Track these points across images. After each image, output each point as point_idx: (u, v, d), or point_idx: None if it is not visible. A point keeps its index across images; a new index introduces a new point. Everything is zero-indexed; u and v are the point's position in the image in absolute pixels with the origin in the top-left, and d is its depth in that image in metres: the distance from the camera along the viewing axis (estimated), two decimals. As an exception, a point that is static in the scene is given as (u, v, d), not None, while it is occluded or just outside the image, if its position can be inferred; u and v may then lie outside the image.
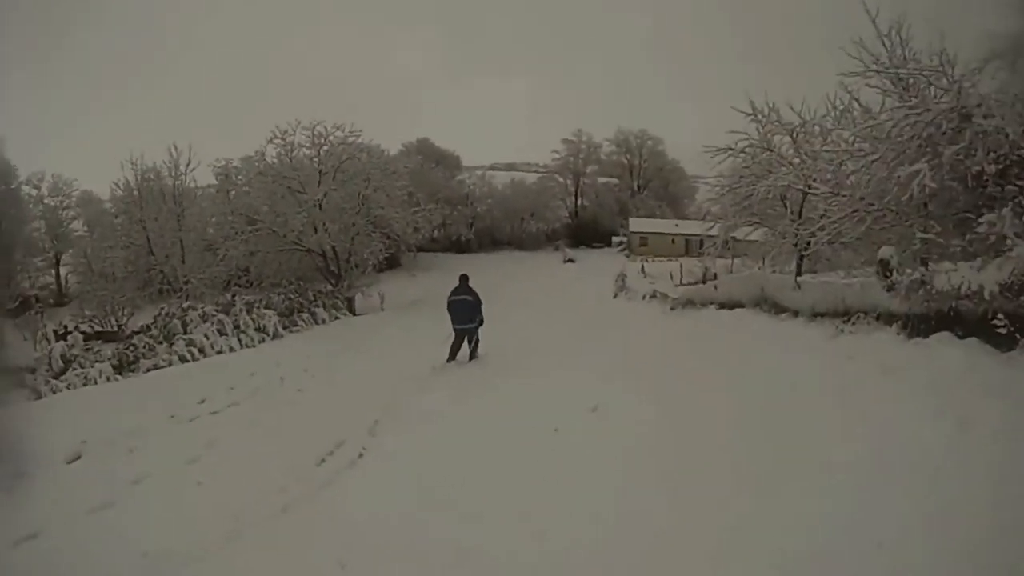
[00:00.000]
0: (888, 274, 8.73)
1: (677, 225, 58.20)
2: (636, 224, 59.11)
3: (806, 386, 7.05)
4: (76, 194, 47.06)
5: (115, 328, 29.54)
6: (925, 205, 10.49)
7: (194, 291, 30.32)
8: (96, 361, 19.16)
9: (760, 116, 19.05)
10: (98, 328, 30.11)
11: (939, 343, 6.79)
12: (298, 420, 9.89)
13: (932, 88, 10.87)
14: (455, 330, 13.41)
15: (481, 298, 13.72)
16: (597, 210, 66.66)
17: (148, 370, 17.54)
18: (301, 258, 32.30)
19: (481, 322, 13.64)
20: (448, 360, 13.23)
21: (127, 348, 19.25)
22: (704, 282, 27.62)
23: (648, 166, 69.25)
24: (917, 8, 11.71)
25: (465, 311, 13.35)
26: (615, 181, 69.12)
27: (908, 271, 8.46)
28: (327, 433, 8.39)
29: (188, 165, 33.27)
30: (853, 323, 8.86)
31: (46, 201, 46.15)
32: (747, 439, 5.92)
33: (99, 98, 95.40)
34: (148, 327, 22.28)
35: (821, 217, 17.56)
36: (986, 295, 6.44)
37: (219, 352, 19.32)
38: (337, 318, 27.42)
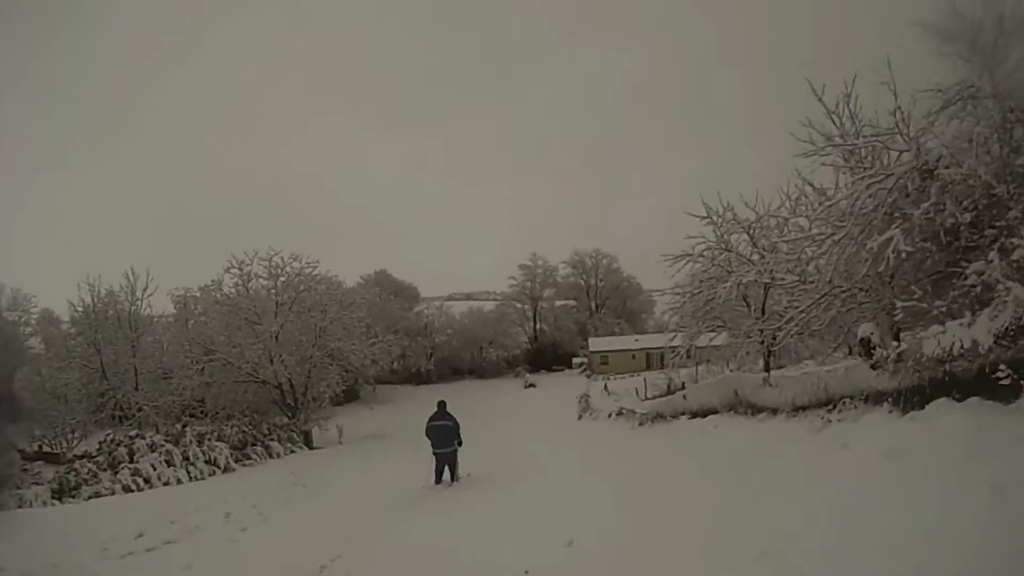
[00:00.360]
0: (871, 352, 7.85)
1: (637, 340, 57.99)
2: (596, 343, 58.55)
3: (799, 487, 6.14)
4: (35, 311, 45.93)
5: (62, 450, 27.42)
6: (891, 276, 9.93)
7: (146, 419, 28.59)
8: (34, 483, 17.70)
9: (715, 217, 18.79)
10: (46, 449, 27.96)
11: (938, 412, 6.11)
12: (238, 563, 8.67)
13: (888, 153, 10.56)
14: (435, 454, 13.49)
15: (459, 422, 13.85)
16: (556, 333, 66.39)
17: (89, 497, 16.17)
18: (257, 390, 30.83)
19: (460, 444, 13.75)
20: (436, 483, 13.22)
21: (68, 472, 17.62)
22: (671, 393, 26.71)
23: (604, 284, 69.67)
24: (863, 77, 11.48)
25: (445, 436, 13.52)
26: (573, 303, 69.05)
27: (894, 344, 7.56)
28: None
29: (145, 290, 32.04)
30: (839, 411, 7.94)
31: (4, 315, 44.16)
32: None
33: (60, 215, 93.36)
34: (93, 453, 20.54)
35: (786, 309, 17.15)
36: (981, 349, 5.91)
37: (166, 484, 17.90)
38: (293, 451, 25.74)
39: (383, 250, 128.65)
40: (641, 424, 17.10)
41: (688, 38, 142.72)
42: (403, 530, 9.03)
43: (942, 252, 8.86)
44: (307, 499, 14.08)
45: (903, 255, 8.53)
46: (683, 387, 20.04)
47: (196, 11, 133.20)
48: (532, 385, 51.88)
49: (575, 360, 61.62)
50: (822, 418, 8.13)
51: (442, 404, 14.19)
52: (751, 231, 18.60)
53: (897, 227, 8.70)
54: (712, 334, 21.07)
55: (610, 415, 22.35)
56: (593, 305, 68.97)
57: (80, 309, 31.33)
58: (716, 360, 24.12)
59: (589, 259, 69.65)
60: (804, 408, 8.87)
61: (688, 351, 21.28)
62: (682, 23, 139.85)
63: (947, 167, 8.60)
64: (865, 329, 8.21)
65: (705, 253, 19.18)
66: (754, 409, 10.55)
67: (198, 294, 32.43)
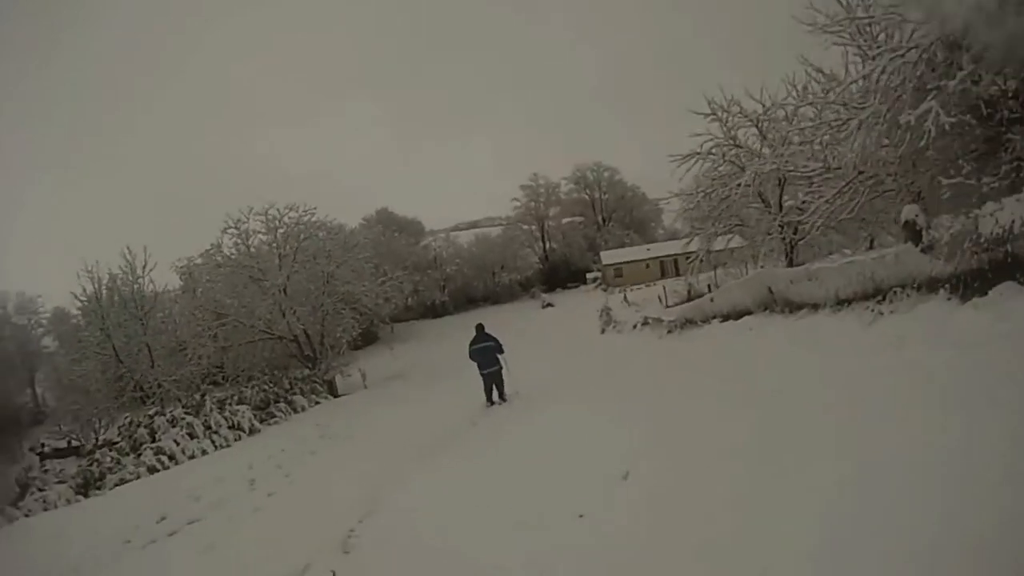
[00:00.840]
0: (917, 236, 7.39)
1: (648, 249, 57.79)
2: (608, 256, 58.19)
3: (864, 391, 5.59)
4: (44, 312, 45.69)
5: (90, 442, 27.47)
6: (926, 153, 9.41)
7: (167, 395, 28.51)
8: (58, 481, 17.32)
9: (720, 112, 18.12)
10: (75, 443, 28.19)
11: (1003, 297, 5.65)
12: (263, 536, 8.26)
13: (902, 28, 9.92)
14: (483, 375, 14.14)
15: (498, 338, 14.48)
16: (566, 250, 65.84)
17: (115, 486, 15.76)
18: (274, 346, 30.61)
19: (502, 364, 14.18)
20: (488, 403, 14.03)
21: (90, 464, 17.24)
22: (692, 299, 26.33)
23: (609, 197, 68.60)
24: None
25: (488, 356, 14.09)
26: (579, 218, 68.30)
27: (946, 224, 7.07)
28: (293, 553, 6.77)
29: (144, 267, 31.50)
30: (890, 301, 7.46)
31: (13, 320, 44.88)
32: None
33: (61, 215, 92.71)
34: (115, 439, 20.42)
35: (805, 203, 16.67)
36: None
37: (191, 457, 17.58)
38: (318, 403, 25.50)
39: (382, 194, 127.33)
40: (670, 332, 16.52)
41: None
42: (429, 478, 8.67)
43: (982, 126, 8.33)
44: (334, 449, 13.89)
45: (946, 127, 8.00)
46: (709, 292, 19.48)
47: (195, 10, 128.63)
48: (550, 305, 51.48)
49: (589, 275, 61.12)
50: (871, 310, 7.65)
51: (480, 327, 14.92)
52: (759, 124, 17.97)
53: (933, 99, 8.15)
54: (728, 236, 20.69)
55: (635, 326, 21.67)
56: (600, 219, 68.05)
57: (83, 299, 30.93)
58: (734, 262, 23.80)
59: (591, 173, 68.51)
60: (849, 301, 8.38)
61: (706, 255, 20.84)
62: None
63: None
64: (909, 211, 7.69)
65: (714, 151, 18.60)
66: (792, 307, 10.02)
67: (200, 261, 31.88)
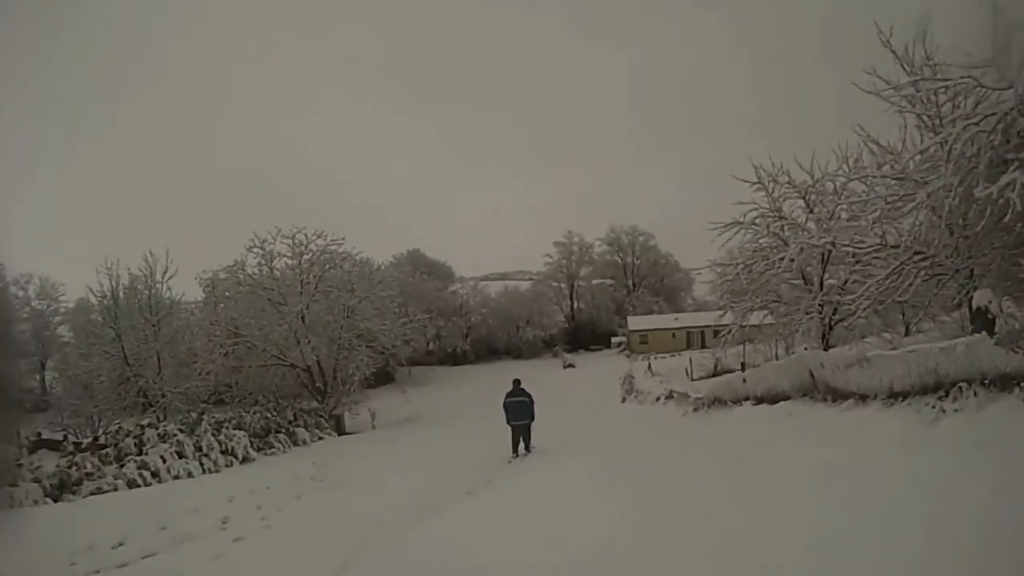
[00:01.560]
0: (989, 324, 6.55)
1: (676, 319, 57.00)
2: (635, 322, 57.29)
3: (933, 504, 4.68)
4: (64, 300, 45.95)
5: (84, 440, 26.65)
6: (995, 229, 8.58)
7: (170, 405, 27.79)
8: (33, 479, 15.58)
9: (767, 181, 17.40)
10: (69, 437, 27.29)
11: None
12: None
13: (967, 98, 9.25)
14: (512, 426, 14.99)
15: (534, 398, 15.38)
16: (594, 312, 65.02)
17: (91, 494, 14.80)
18: (285, 374, 29.96)
19: (533, 418, 15.16)
20: (513, 454, 14.75)
21: (69, 467, 16.26)
22: (717, 374, 25.29)
23: (642, 262, 68.08)
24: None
25: (521, 410, 15.05)
26: (610, 281, 67.65)
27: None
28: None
29: (165, 273, 30.62)
30: (954, 398, 6.57)
31: (33, 304, 45.08)
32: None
33: (83, 205, 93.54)
34: (100, 444, 19.58)
35: (850, 283, 15.84)
36: None
37: (176, 477, 16.73)
38: (321, 438, 24.68)
39: (415, 235, 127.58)
40: (696, 410, 15.48)
41: (698, 31, 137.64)
42: (423, 538, 7.59)
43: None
44: (323, 496, 12.72)
45: None
46: (742, 368, 18.37)
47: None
48: (571, 365, 50.53)
49: (614, 339, 60.28)
50: (932, 407, 6.72)
51: (516, 382, 15.74)
52: (807, 196, 17.19)
53: (1016, 169, 7.38)
54: (762, 312, 19.78)
55: (658, 399, 20.63)
56: (630, 283, 67.36)
57: (99, 295, 30.47)
58: (765, 339, 22.76)
59: (625, 236, 68.28)
60: (905, 395, 7.45)
61: (738, 329, 19.87)
62: (691, 18, 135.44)
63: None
64: (981, 297, 6.90)
65: (758, 220, 17.78)
66: (835, 395, 9.02)
67: (224, 276, 31.47)
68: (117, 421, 21.69)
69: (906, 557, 4.09)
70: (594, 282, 67.54)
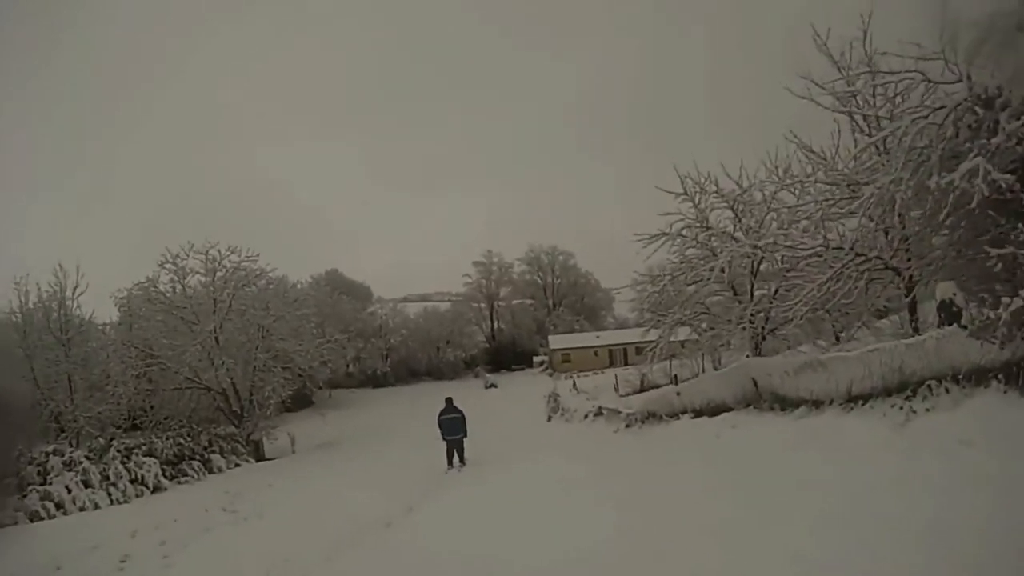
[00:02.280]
0: (955, 317, 6.08)
1: (599, 337, 57.14)
2: (556, 341, 57.01)
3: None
4: None
5: None
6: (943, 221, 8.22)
7: (81, 431, 25.55)
8: None
9: (693, 192, 17.02)
10: None
11: None
12: None
13: (913, 91, 9.00)
14: (447, 441, 16.10)
15: (465, 414, 16.54)
16: (514, 331, 64.69)
17: None
18: (200, 397, 28.11)
19: (466, 434, 16.30)
20: (448, 465, 15.77)
21: None
22: (644, 390, 24.85)
23: (562, 281, 68.17)
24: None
25: (455, 426, 16.20)
26: (530, 301, 67.36)
27: (1005, 302, 5.71)
28: None
29: (76, 289, 28.13)
30: (923, 397, 6.04)
31: None
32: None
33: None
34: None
35: (782, 291, 15.58)
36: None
37: (82, 509, 15.30)
38: (237, 465, 23.24)
39: (334, 254, 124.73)
40: (628, 426, 14.77)
41: (624, 49, 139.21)
42: None
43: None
44: (233, 530, 11.37)
45: (996, 184, 6.81)
46: (674, 381, 17.69)
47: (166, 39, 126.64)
48: (493, 385, 49.69)
49: (536, 359, 59.98)
50: (899, 408, 6.15)
51: (449, 400, 16.97)
52: (735, 206, 16.88)
53: (976, 156, 7.01)
54: (688, 326, 19.42)
55: (586, 416, 19.77)
56: (551, 302, 67.48)
57: (7, 312, 27.84)
58: (691, 354, 22.35)
59: (545, 256, 68.33)
60: (864, 398, 6.89)
61: (666, 344, 19.37)
62: (633, 30, 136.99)
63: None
64: (944, 289, 6.38)
65: (684, 231, 17.38)
66: (784, 403, 8.46)
67: (136, 292, 29.34)
68: (19, 448, 19.60)
69: (907, 565, 3.70)
70: (514, 302, 67.33)
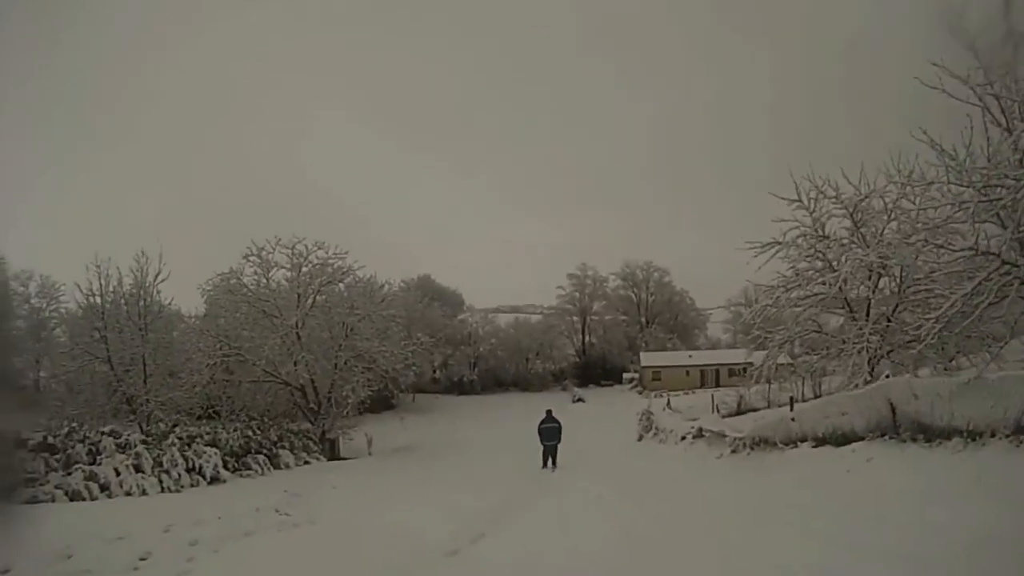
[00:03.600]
0: None
1: (691, 356, 55.33)
2: (648, 358, 55.35)
3: None
4: (64, 299, 42.09)
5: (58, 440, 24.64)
6: None
7: (151, 414, 25.83)
8: None
9: (810, 197, 15.75)
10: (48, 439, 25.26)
11: None
12: None
13: None
14: (544, 445, 19.13)
15: (561, 424, 19.70)
16: (605, 347, 63.16)
17: (25, 502, 12.77)
18: (278, 391, 28.01)
19: (560, 440, 19.30)
20: (543, 466, 18.76)
21: (5, 471, 14.00)
22: (741, 412, 23.40)
23: (656, 298, 66.42)
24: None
25: (552, 434, 19.27)
26: (623, 316, 65.91)
27: None
28: None
29: (157, 276, 28.60)
30: None
31: (32, 302, 43.25)
32: None
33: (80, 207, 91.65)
34: (50, 444, 17.09)
35: (900, 308, 14.26)
36: None
37: (128, 493, 14.54)
38: (307, 462, 22.74)
39: (427, 262, 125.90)
40: (735, 451, 13.35)
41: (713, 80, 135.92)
42: None
43: None
44: (278, 536, 10.06)
45: None
46: (790, 406, 15.93)
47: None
48: (580, 400, 48.68)
49: (625, 375, 58.41)
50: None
51: (549, 411, 20.26)
52: (854, 214, 15.48)
53: None
54: (791, 345, 18.06)
55: (683, 437, 18.45)
56: (643, 319, 65.66)
57: (87, 293, 28.51)
58: (790, 377, 20.58)
59: (640, 271, 66.71)
60: None
61: (773, 364, 17.95)
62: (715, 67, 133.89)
63: None
64: None
65: (799, 240, 16.09)
66: (929, 434, 7.28)
67: (218, 283, 29.54)
68: (71, 424, 19.47)
69: None
70: (607, 317, 65.95)
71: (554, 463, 18.76)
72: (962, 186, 10.73)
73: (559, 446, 19.09)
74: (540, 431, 19.37)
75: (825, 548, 5.68)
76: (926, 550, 4.89)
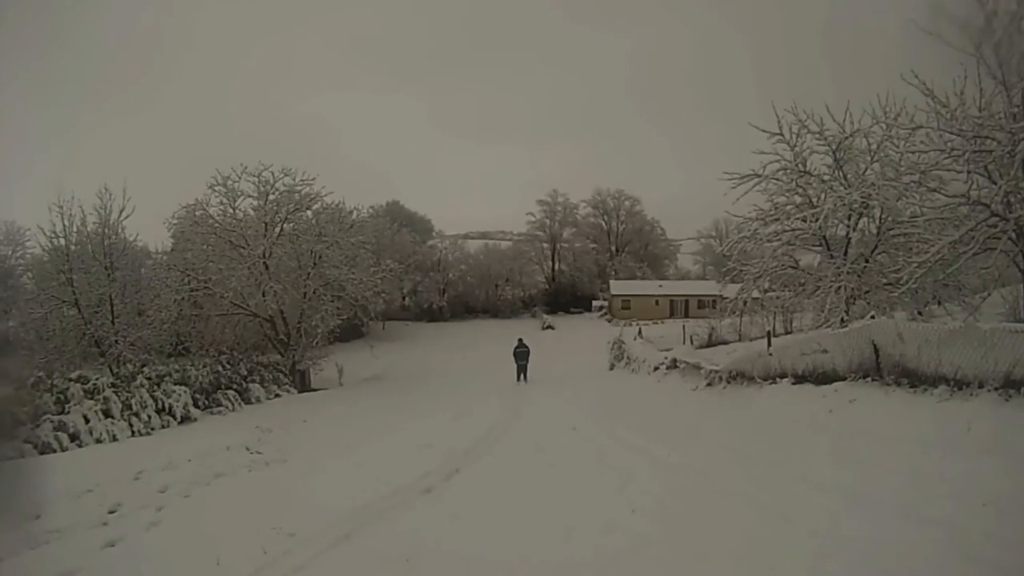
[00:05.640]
0: None
1: (661, 286, 55.41)
2: (617, 287, 55.64)
3: None
4: (31, 245, 41.51)
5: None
6: None
7: (121, 356, 25.26)
8: None
9: (792, 130, 15.54)
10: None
11: None
12: None
13: None
14: (517, 364, 24.72)
15: (529, 347, 25.26)
16: (575, 274, 63.32)
17: None
18: (247, 324, 27.42)
19: (528, 361, 24.85)
20: (517, 381, 24.08)
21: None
22: (712, 345, 23.56)
23: (626, 227, 66.50)
24: None
25: (524, 356, 24.82)
26: (593, 244, 65.86)
27: None
28: None
29: (122, 212, 27.69)
30: None
31: None
32: None
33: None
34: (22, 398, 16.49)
35: (880, 250, 14.32)
36: None
37: (98, 441, 14.17)
38: (278, 395, 22.61)
39: (396, 190, 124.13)
40: (711, 384, 13.40)
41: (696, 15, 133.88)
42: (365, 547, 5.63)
43: None
44: (248, 475, 9.90)
45: None
46: (767, 340, 15.88)
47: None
48: (550, 327, 48.95)
49: (595, 303, 58.80)
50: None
51: (520, 339, 25.84)
52: (837, 152, 15.34)
53: None
54: (767, 280, 18.05)
55: (656, 368, 18.47)
56: (614, 247, 65.87)
57: (49, 235, 27.32)
58: (762, 312, 20.51)
59: (611, 199, 66.66)
60: (1022, 384, 5.71)
61: (749, 297, 17.95)
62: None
63: None
64: None
65: (779, 175, 15.94)
66: (914, 379, 7.26)
67: (183, 214, 28.52)
68: (39, 373, 18.85)
69: None
70: (577, 244, 65.78)
71: (525, 378, 24.26)
72: (952, 134, 10.69)
73: (528, 365, 24.62)
74: (515, 354, 24.97)
75: (815, 494, 5.68)
76: (922, 502, 4.91)
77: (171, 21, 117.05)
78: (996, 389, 6.03)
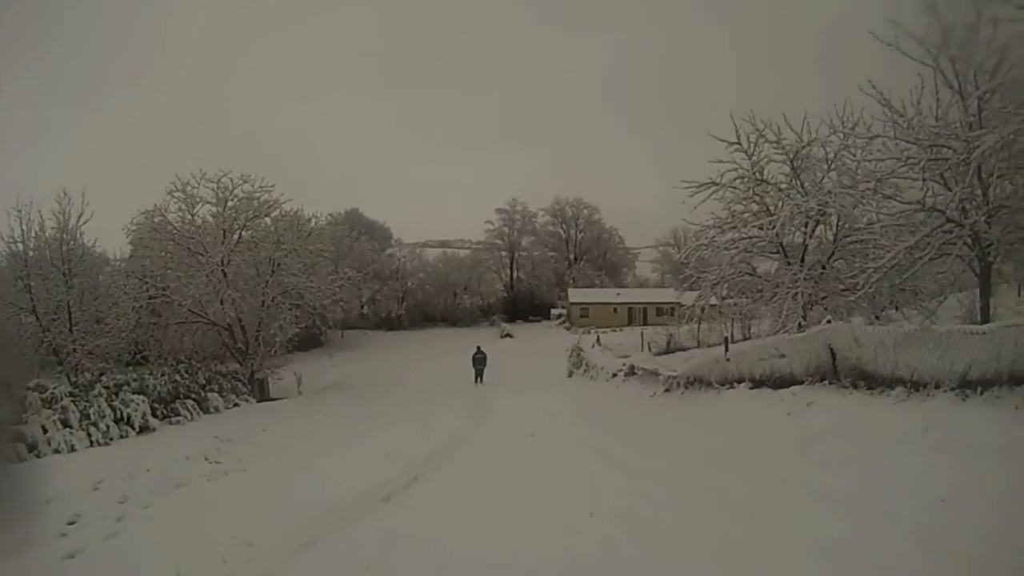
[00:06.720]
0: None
1: (619, 294, 55.65)
2: (576, 295, 55.80)
3: None
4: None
5: None
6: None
7: (79, 364, 24.56)
8: None
9: (749, 139, 15.68)
10: None
11: None
12: None
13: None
14: (475, 369, 27.04)
15: (487, 353, 27.76)
16: (533, 282, 63.23)
17: None
18: (205, 332, 26.92)
19: (485, 365, 27.27)
20: (475, 383, 26.14)
21: None
22: (670, 351, 23.71)
23: (585, 235, 66.66)
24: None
25: (481, 362, 27.18)
26: (552, 253, 65.87)
27: None
28: None
29: (80, 217, 26.77)
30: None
31: None
32: None
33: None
34: None
35: (838, 257, 14.51)
36: None
37: (56, 451, 13.90)
38: (236, 405, 22.36)
39: (356, 198, 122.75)
40: (668, 390, 13.46)
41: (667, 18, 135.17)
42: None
43: None
44: (209, 486, 9.77)
45: None
46: (724, 347, 15.91)
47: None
48: (508, 335, 48.93)
49: (553, 311, 58.86)
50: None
51: (479, 347, 28.23)
52: (794, 160, 15.53)
53: None
54: (725, 287, 18.18)
55: (615, 375, 18.54)
56: (572, 256, 65.86)
57: (8, 240, 26.37)
58: (721, 318, 20.73)
59: (570, 208, 66.74)
60: (982, 385, 5.75)
61: (707, 305, 18.06)
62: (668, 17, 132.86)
63: None
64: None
65: (737, 183, 16.08)
66: (872, 381, 7.30)
67: (142, 221, 27.90)
68: (28, 382, 18.25)
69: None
70: (535, 253, 65.72)
71: (482, 380, 26.44)
72: (908, 142, 10.90)
73: (484, 369, 26.94)
74: (473, 360, 27.38)
75: (778, 492, 5.74)
76: (884, 498, 4.96)
77: (171, 22, 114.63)
78: (952, 389, 6.09)
